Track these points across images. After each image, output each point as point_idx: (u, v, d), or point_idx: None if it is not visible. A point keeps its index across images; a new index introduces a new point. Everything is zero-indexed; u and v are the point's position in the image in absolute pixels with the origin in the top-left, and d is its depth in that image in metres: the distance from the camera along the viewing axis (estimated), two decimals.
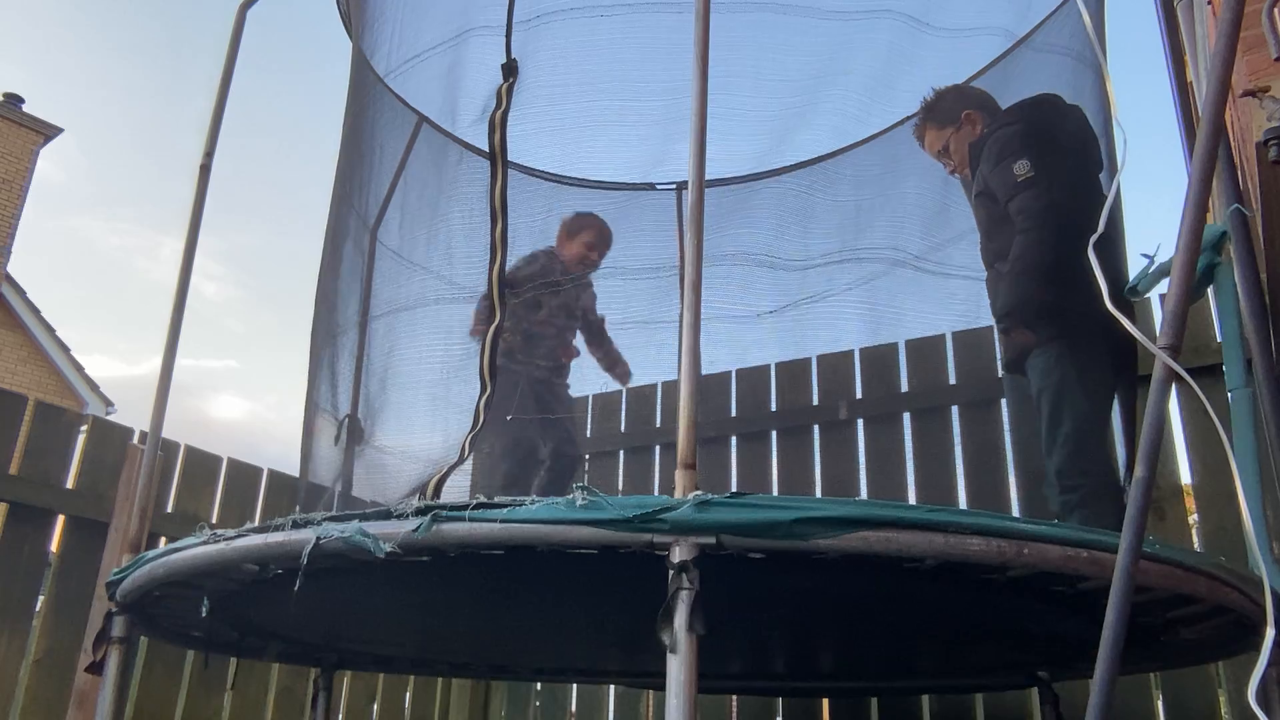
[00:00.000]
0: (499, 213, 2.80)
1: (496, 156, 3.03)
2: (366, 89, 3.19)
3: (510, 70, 3.18)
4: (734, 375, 4.12)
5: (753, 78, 3.32)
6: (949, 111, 3.00)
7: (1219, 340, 2.21)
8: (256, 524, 1.92)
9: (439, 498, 2.48)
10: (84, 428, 3.31)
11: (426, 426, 3.00)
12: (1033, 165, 2.61)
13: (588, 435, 4.41)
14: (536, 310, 3.66)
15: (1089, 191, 2.62)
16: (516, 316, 3.56)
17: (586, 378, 3.98)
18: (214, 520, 3.58)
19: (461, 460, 2.51)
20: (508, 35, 3.15)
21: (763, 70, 3.32)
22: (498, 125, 3.03)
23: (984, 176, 2.77)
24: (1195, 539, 3.00)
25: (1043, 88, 2.88)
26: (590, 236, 3.81)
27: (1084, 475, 2.43)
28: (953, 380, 3.64)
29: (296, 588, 1.66)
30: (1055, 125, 2.72)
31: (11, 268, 14.23)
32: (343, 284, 3.15)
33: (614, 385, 4.29)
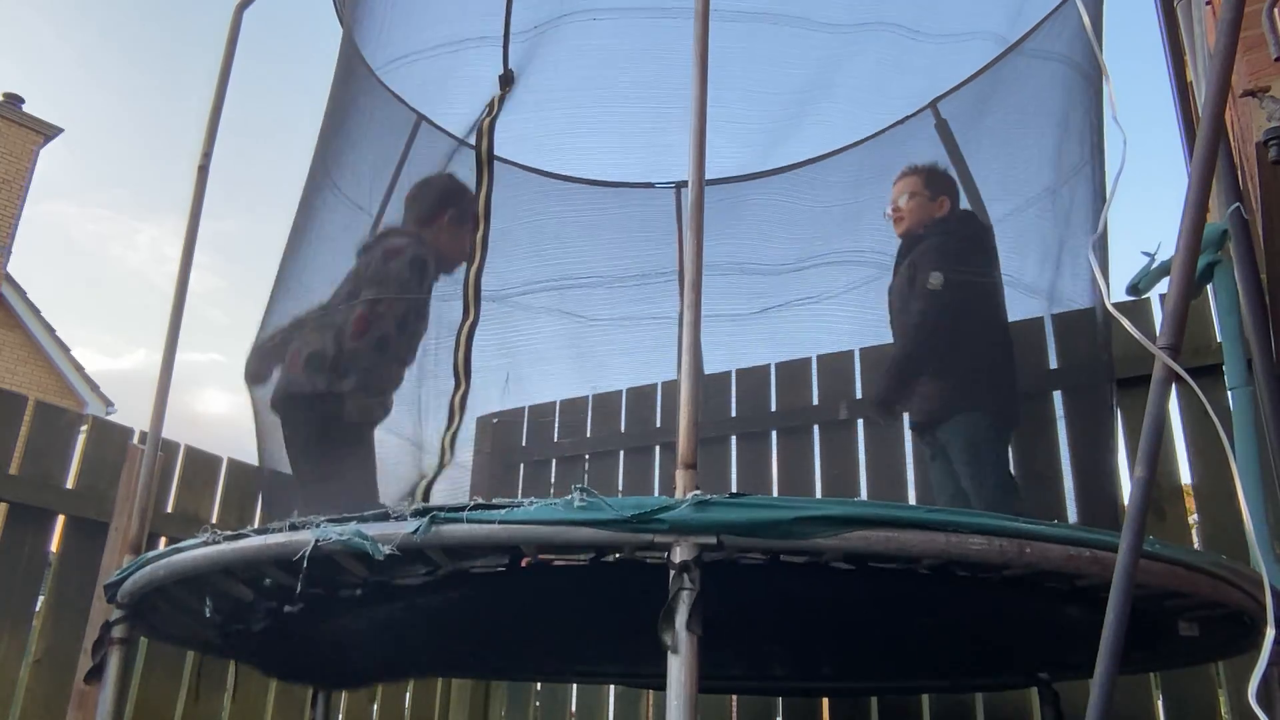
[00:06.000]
0: (483, 216, 2.79)
1: (484, 162, 3.02)
2: (361, 88, 3.17)
3: (507, 80, 3.18)
4: (734, 375, 4.12)
5: (742, 86, 3.33)
6: (939, 183, 3.22)
7: (1219, 340, 2.21)
8: (256, 525, 1.92)
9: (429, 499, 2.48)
10: (84, 428, 3.31)
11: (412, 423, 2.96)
12: (944, 280, 3.00)
13: (587, 435, 4.40)
14: (401, 334, 2.68)
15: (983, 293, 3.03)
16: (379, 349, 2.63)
17: (581, 377, 3.95)
18: (214, 520, 3.58)
19: (445, 462, 2.50)
20: (505, 45, 3.14)
21: (752, 78, 3.33)
22: (485, 132, 3.02)
23: (913, 262, 3.10)
24: (1195, 539, 3.00)
25: (1037, 91, 2.91)
26: (456, 212, 2.86)
27: None
28: None
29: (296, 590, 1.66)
30: (970, 243, 3.08)
31: (10, 266, 14.23)
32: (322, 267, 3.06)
33: (610, 386, 4.25)
